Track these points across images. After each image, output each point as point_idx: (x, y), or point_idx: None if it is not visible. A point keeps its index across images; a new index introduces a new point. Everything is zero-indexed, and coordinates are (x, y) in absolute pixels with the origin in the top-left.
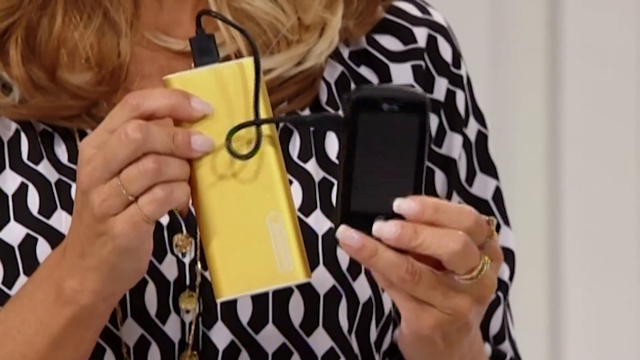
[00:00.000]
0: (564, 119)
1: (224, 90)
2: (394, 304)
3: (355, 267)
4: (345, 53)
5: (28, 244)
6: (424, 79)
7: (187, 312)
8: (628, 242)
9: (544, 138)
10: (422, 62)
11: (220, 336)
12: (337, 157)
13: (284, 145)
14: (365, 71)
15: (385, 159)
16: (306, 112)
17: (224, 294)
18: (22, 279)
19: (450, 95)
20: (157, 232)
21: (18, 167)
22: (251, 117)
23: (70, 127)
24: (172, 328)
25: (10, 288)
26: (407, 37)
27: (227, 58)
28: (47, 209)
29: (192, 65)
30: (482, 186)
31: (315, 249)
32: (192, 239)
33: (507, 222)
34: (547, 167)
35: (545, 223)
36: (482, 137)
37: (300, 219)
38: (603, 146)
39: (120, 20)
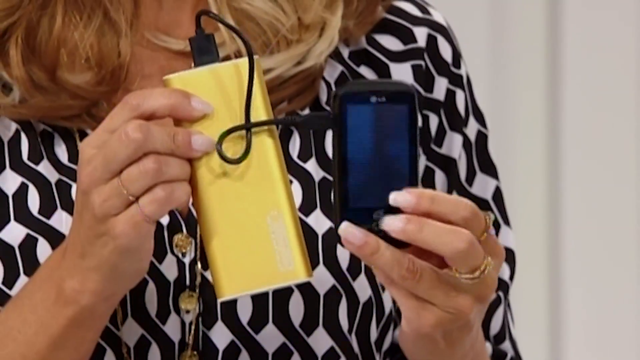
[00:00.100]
0: (564, 119)
1: (223, 90)
2: (394, 302)
3: (355, 267)
4: (345, 53)
5: (28, 244)
6: (423, 78)
7: (187, 312)
8: (628, 242)
9: (544, 138)
10: (422, 62)
11: (220, 336)
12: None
13: (283, 145)
14: (365, 71)
15: (378, 152)
16: (306, 111)
17: (225, 294)
18: (22, 279)
19: (450, 95)
20: (157, 232)
21: (18, 167)
22: (251, 119)
23: (70, 127)
24: (172, 328)
25: (10, 288)
26: (407, 36)
27: (227, 58)
28: (47, 209)
29: (192, 65)
30: (482, 186)
31: (315, 248)
32: (192, 239)
33: (507, 222)
34: (547, 167)
35: (545, 223)
36: (482, 137)
37: (300, 219)
38: (603, 146)
39: (120, 20)
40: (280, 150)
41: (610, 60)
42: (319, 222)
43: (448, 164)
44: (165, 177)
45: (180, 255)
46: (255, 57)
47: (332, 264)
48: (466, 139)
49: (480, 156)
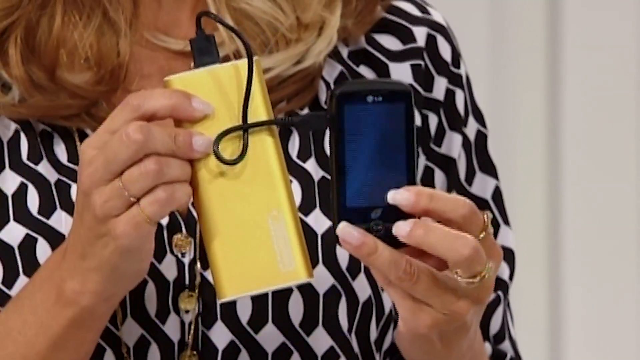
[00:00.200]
0: (564, 119)
1: (224, 91)
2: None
3: (355, 267)
4: (345, 52)
5: (28, 244)
6: (423, 78)
7: (187, 312)
8: (628, 242)
9: (544, 138)
10: (421, 62)
11: (220, 336)
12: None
13: (283, 145)
14: (364, 70)
15: (376, 151)
16: (305, 111)
17: (226, 295)
18: (22, 279)
19: (450, 94)
20: (156, 232)
21: (18, 167)
22: (250, 119)
23: (70, 126)
24: (171, 328)
25: (10, 288)
26: (406, 36)
27: (226, 58)
28: (47, 209)
29: (192, 65)
30: (482, 186)
31: (315, 248)
32: (191, 239)
33: (506, 222)
34: (547, 167)
35: (545, 223)
36: (481, 137)
37: (299, 219)
38: (603, 146)
39: (119, 20)
40: (281, 150)
41: (610, 60)
42: (319, 221)
43: (447, 164)
44: (166, 178)
45: (179, 255)
46: (256, 57)
47: (332, 264)
48: (466, 139)
49: (480, 156)
